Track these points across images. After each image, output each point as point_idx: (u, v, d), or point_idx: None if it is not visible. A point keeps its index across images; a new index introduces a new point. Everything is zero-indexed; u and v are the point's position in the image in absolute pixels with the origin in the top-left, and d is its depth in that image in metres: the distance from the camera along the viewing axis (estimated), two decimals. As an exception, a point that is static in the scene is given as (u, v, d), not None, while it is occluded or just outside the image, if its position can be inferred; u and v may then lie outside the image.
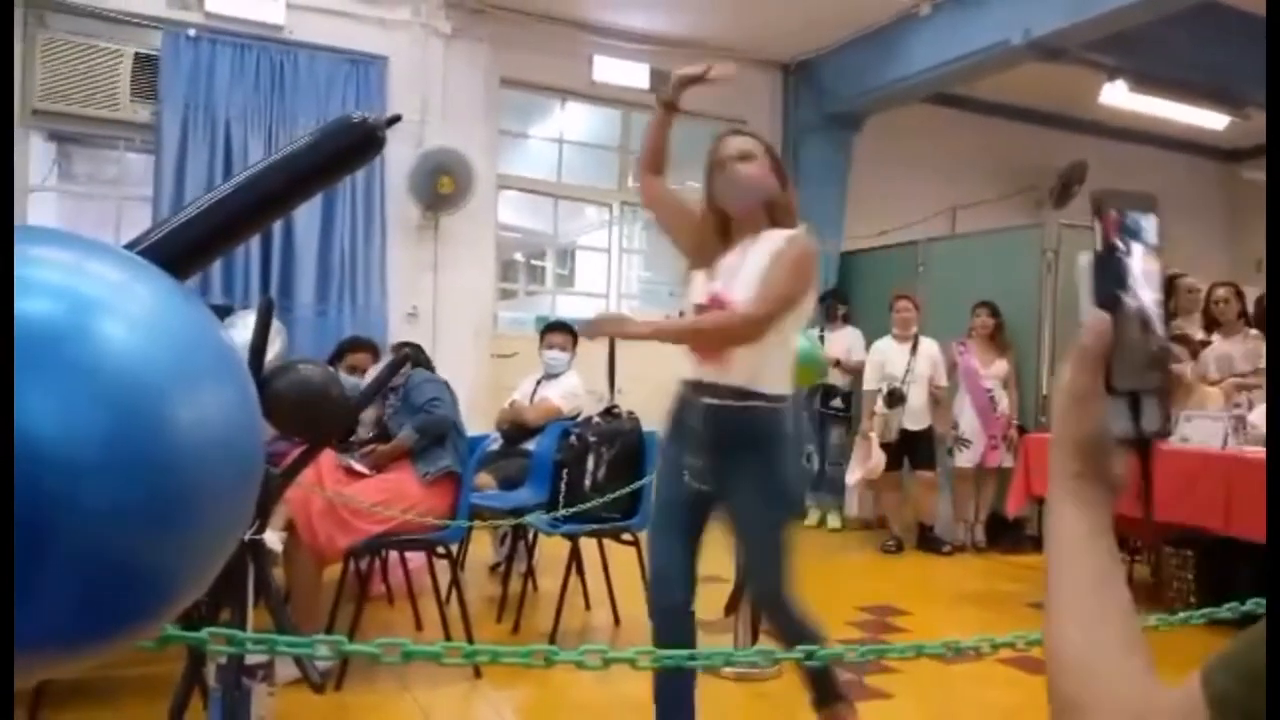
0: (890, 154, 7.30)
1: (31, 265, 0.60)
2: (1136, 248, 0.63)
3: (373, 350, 4.13)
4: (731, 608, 3.55)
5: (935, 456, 5.96)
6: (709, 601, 3.89)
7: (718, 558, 4.38)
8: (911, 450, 5.93)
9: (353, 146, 0.87)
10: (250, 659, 2.49)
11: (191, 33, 5.39)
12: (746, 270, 2.33)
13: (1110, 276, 0.63)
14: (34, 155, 5.51)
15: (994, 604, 4.63)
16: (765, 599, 2.48)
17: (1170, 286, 5.36)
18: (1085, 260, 0.64)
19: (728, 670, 3.37)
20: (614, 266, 7.11)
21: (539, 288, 8.47)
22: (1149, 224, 0.63)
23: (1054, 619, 0.62)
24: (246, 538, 2.33)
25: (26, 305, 0.58)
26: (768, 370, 2.35)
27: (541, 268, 8.96)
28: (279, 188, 0.86)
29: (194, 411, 0.62)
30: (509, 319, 7.08)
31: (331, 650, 1.15)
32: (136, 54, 5.34)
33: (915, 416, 5.92)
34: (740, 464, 2.36)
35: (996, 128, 7.85)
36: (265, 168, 0.85)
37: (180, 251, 0.74)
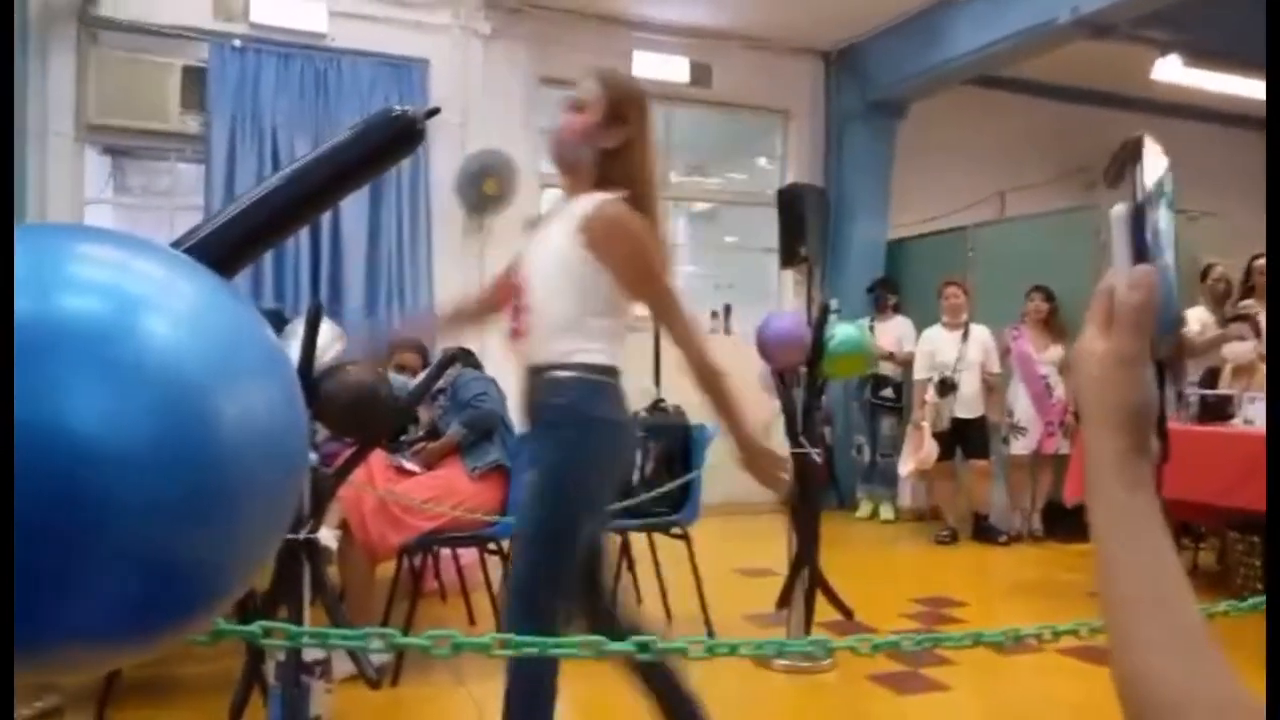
0: (935, 139, 7.19)
1: (77, 263, 0.61)
2: (1161, 204, 0.60)
3: (421, 350, 4.17)
4: (784, 601, 3.53)
5: (989, 445, 5.87)
6: (762, 595, 3.88)
7: (767, 550, 4.37)
8: (964, 439, 5.84)
9: (393, 139, 0.88)
10: (308, 656, 2.53)
11: (237, 43, 5.48)
12: (547, 253, 2.01)
13: (1147, 230, 0.59)
14: (90, 168, 5.66)
15: (1053, 594, 4.54)
16: (510, 613, 1.97)
17: (1248, 269, 5.28)
18: (1121, 211, 0.60)
19: (779, 663, 3.34)
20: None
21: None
22: (1169, 183, 0.60)
23: (1127, 632, 0.55)
24: (302, 536, 2.37)
25: (72, 303, 0.59)
26: (571, 336, 1.98)
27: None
28: (322, 182, 0.86)
29: (237, 408, 0.62)
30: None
31: (383, 643, 1.16)
32: (185, 67, 5.45)
33: (967, 405, 5.83)
34: (536, 446, 2.03)
35: (1044, 109, 7.69)
36: (308, 163, 0.86)
37: (226, 248, 0.75)
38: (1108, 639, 0.57)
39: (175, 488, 0.58)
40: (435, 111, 1.00)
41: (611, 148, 2.03)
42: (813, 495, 3.63)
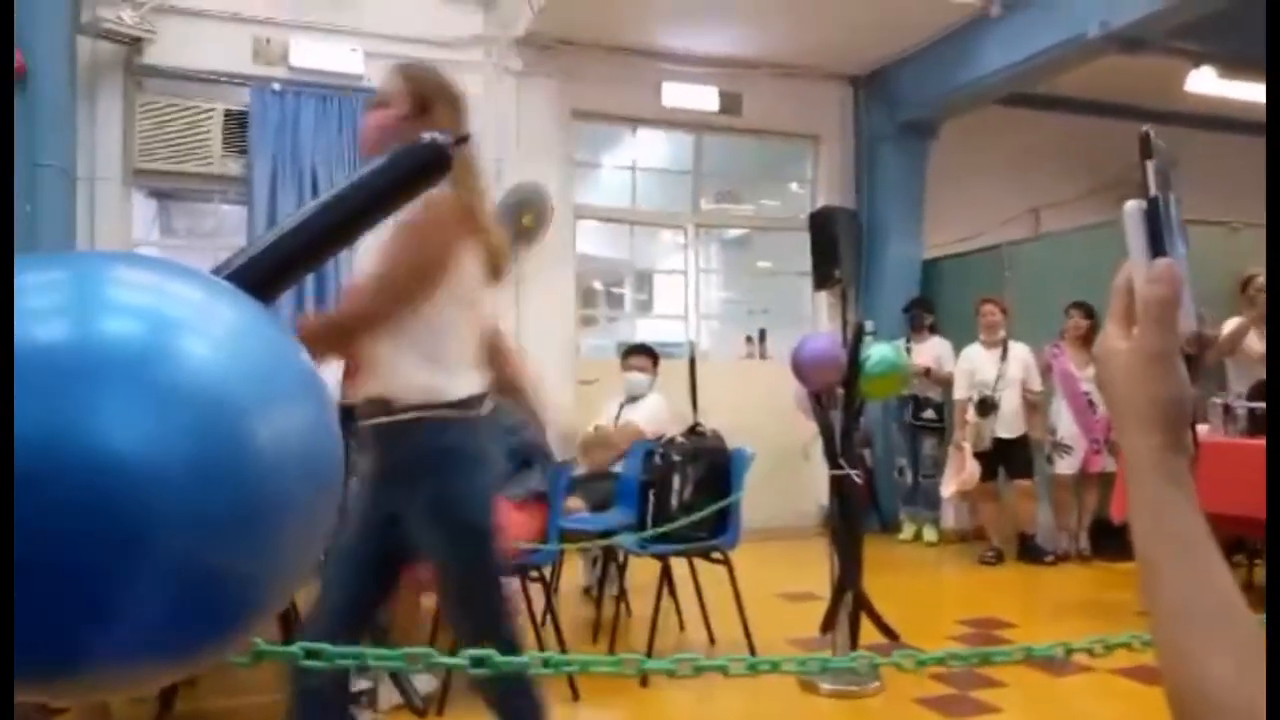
0: (968, 158, 7.17)
1: (117, 287, 0.64)
2: (1172, 199, 0.59)
3: None
4: (828, 625, 3.50)
5: (1032, 464, 5.78)
6: (805, 619, 3.84)
7: (809, 574, 4.34)
8: (1007, 459, 5.77)
9: (424, 166, 0.91)
10: (355, 685, 2.56)
11: (277, 87, 5.63)
12: (370, 249, 1.84)
13: (1164, 225, 0.59)
14: (137, 212, 5.82)
15: (1103, 613, 4.45)
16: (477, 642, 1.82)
17: None
18: (1135, 206, 0.60)
19: (825, 687, 3.31)
20: (691, 288, 7.12)
21: (619, 313, 8.53)
22: (1175, 178, 0.60)
23: (1177, 639, 0.53)
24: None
25: (112, 326, 0.61)
26: (419, 370, 1.85)
27: (620, 294, 9.04)
28: (355, 209, 0.89)
29: (272, 428, 0.64)
30: (590, 346, 7.15)
31: (419, 664, 1.17)
32: (227, 111, 5.60)
33: (1009, 424, 5.76)
34: (411, 494, 1.89)
35: (1077, 124, 7.64)
36: (341, 191, 0.89)
37: (263, 275, 0.78)
38: (1156, 650, 0.54)
39: (213, 506, 0.60)
40: (465, 139, 1.03)
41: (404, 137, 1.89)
42: (854, 517, 3.61)
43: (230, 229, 5.98)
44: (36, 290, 0.62)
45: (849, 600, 3.45)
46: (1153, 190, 0.59)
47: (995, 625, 4.21)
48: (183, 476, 0.59)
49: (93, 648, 0.62)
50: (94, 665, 0.63)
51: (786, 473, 6.19)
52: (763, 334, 7.25)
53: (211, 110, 5.59)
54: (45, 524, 0.57)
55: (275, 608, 0.73)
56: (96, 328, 0.61)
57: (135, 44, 5.39)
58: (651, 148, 7.40)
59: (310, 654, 1.16)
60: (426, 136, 0.92)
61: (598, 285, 8.72)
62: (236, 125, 5.60)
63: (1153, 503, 0.56)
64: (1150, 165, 0.60)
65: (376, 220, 0.91)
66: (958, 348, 6.15)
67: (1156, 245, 0.59)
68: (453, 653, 1.29)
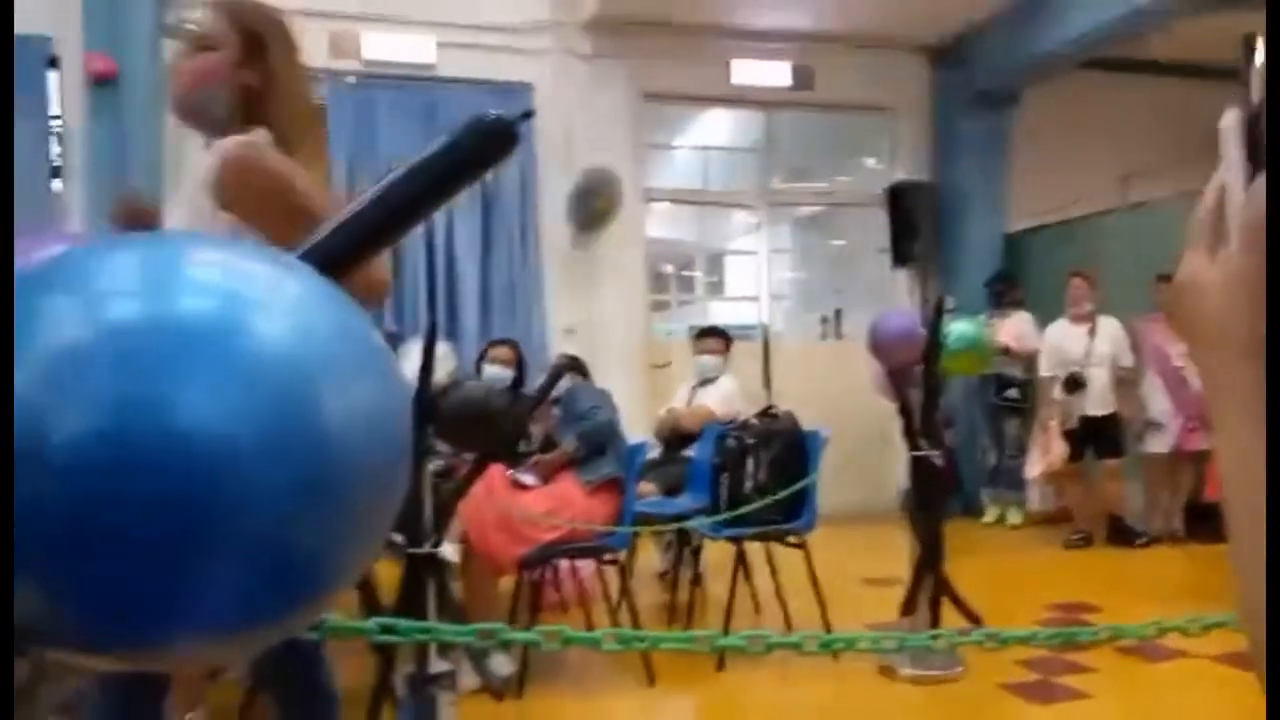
0: (1053, 126, 6.92)
1: (193, 267, 0.65)
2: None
3: (513, 345, 4.33)
4: (908, 609, 3.43)
5: (1122, 444, 5.58)
6: (885, 604, 3.78)
7: (889, 558, 4.26)
8: (1095, 438, 5.57)
9: (489, 143, 0.90)
10: (434, 668, 2.60)
11: (351, 80, 5.73)
12: (180, 220, 1.73)
13: (1263, 138, 0.51)
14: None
15: (1199, 597, 4.25)
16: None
17: None
18: (1233, 118, 0.52)
19: (905, 672, 3.25)
20: (764, 269, 7.05)
21: (690, 296, 8.50)
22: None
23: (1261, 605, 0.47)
24: (425, 550, 2.44)
25: (189, 303, 0.63)
26: None
27: (691, 277, 9.01)
28: (421, 188, 0.90)
29: (342, 399, 0.65)
30: (662, 329, 7.14)
31: (493, 640, 1.18)
32: (304, 105, 5.73)
33: (1098, 401, 5.56)
34: None
35: (1168, 88, 7.30)
36: (408, 170, 0.89)
37: (335, 254, 0.79)
38: (1240, 612, 0.49)
39: (288, 474, 0.61)
40: (530, 114, 1.02)
41: (255, 86, 1.71)
42: (935, 499, 3.53)
43: (310, 221, 6.12)
44: (118, 271, 0.64)
45: (930, 584, 3.38)
46: (1255, 99, 0.52)
47: (1084, 610, 4.09)
48: (260, 450, 0.60)
49: (179, 618, 0.63)
50: (179, 635, 0.65)
51: (864, 455, 6.10)
52: (838, 314, 7.15)
53: (289, 104, 5.72)
54: (132, 498, 0.58)
55: (348, 582, 0.74)
56: (174, 305, 0.62)
57: (216, 43, 5.54)
58: (721, 127, 7.33)
59: (385, 629, 1.17)
60: (491, 113, 0.91)
61: (668, 268, 8.71)
62: (314, 119, 5.73)
63: (1245, 442, 0.50)
64: (1254, 70, 0.52)
65: (441, 200, 0.91)
66: (1044, 323, 5.96)
67: (1257, 160, 0.51)
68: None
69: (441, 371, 2.64)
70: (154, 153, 5.27)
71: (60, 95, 5.18)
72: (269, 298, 0.65)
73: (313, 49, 6.04)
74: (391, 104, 5.79)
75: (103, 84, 5.04)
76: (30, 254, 0.80)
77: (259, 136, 1.66)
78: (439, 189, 0.89)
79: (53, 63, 5.14)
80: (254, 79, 1.72)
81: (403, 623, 1.21)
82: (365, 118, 5.74)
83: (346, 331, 0.68)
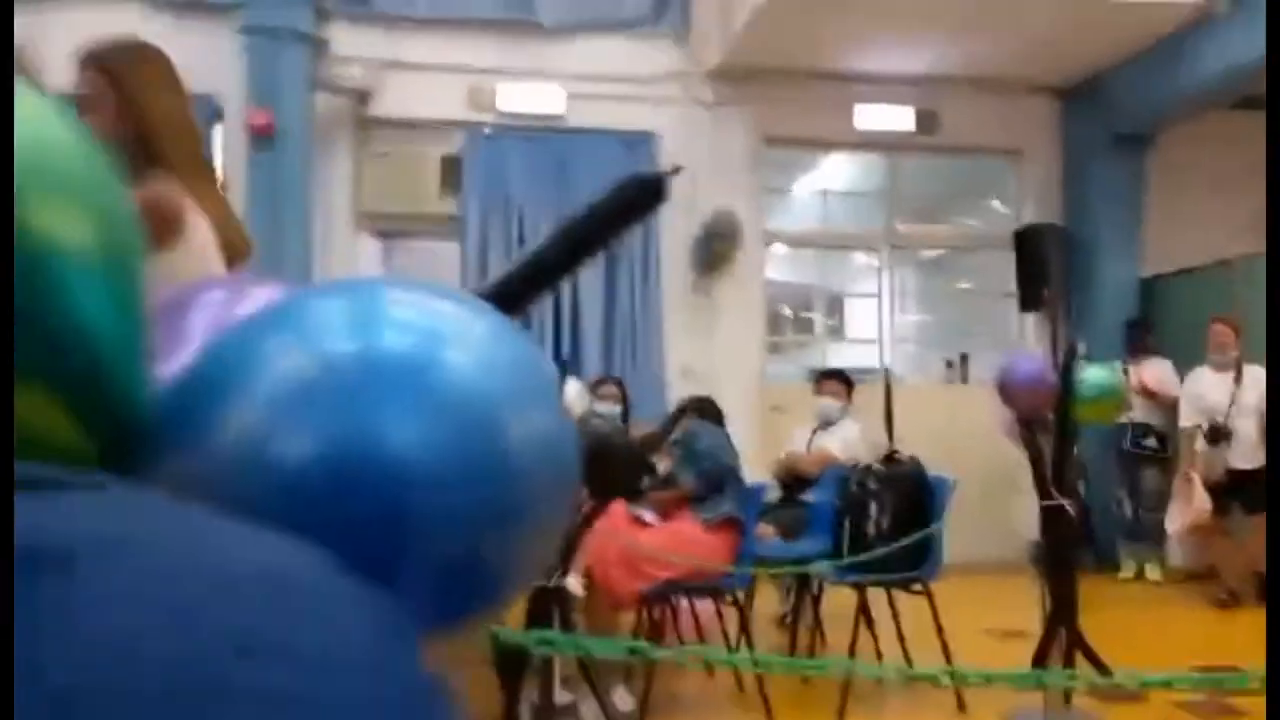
0: (1191, 168, 6.66)
1: (393, 306, 0.74)
2: None
3: (618, 383, 4.49)
4: (1039, 663, 3.32)
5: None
6: (1013, 658, 3.65)
7: (1018, 611, 4.13)
8: (1242, 491, 5.27)
9: (644, 196, 0.98)
10: (559, 700, 2.67)
11: (487, 131, 6.01)
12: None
13: None
14: (363, 252, 6.35)
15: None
16: None
17: None
18: None
19: (1038, 728, 3.14)
20: (886, 311, 6.98)
21: (807, 338, 8.46)
22: None
23: None
24: (551, 584, 2.53)
25: (392, 340, 0.71)
26: None
27: (808, 319, 8.98)
28: (582, 236, 0.98)
29: (524, 428, 0.72)
30: (777, 371, 7.14)
31: (630, 655, 1.23)
32: (443, 156, 6.04)
33: (1245, 454, 5.26)
34: None
35: (1321, 126, 6.93)
36: (572, 221, 0.98)
37: (509, 294, 0.88)
38: None
39: (477, 496, 0.68)
40: (679, 170, 1.10)
41: (140, 130, 1.68)
42: (1067, 551, 3.42)
43: (444, 265, 6.41)
44: (323, 311, 0.73)
45: (1063, 639, 3.27)
46: None
47: (1230, 673, 3.85)
48: (451, 476, 0.67)
49: None
50: None
51: (990, 502, 5.93)
52: (964, 358, 6.99)
53: (428, 154, 6.04)
54: (343, 519, 0.66)
55: (519, 590, 0.81)
56: (375, 341, 0.71)
57: (363, 97, 5.91)
58: (841, 170, 7.33)
59: (543, 641, 1.24)
60: (648, 171, 0.99)
61: (785, 310, 8.70)
62: (451, 168, 6.03)
63: None
64: None
65: (602, 245, 1.00)
66: (1182, 371, 5.70)
67: None
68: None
69: (579, 408, 2.75)
70: (307, 199, 5.64)
71: (223, 148, 5.61)
72: (460, 334, 0.73)
73: (453, 101, 6.38)
74: (523, 153, 6.04)
75: (261, 137, 5.44)
76: (224, 298, 0.91)
77: (157, 186, 1.62)
78: (597, 236, 0.97)
79: (217, 116, 5.58)
80: (141, 124, 1.69)
81: (553, 634, 1.28)
82: (498, 166, 6.00)
83: (526, 365, 0.76)
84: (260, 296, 0.84)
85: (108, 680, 0.23)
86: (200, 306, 0.95)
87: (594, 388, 4.51)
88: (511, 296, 0.86)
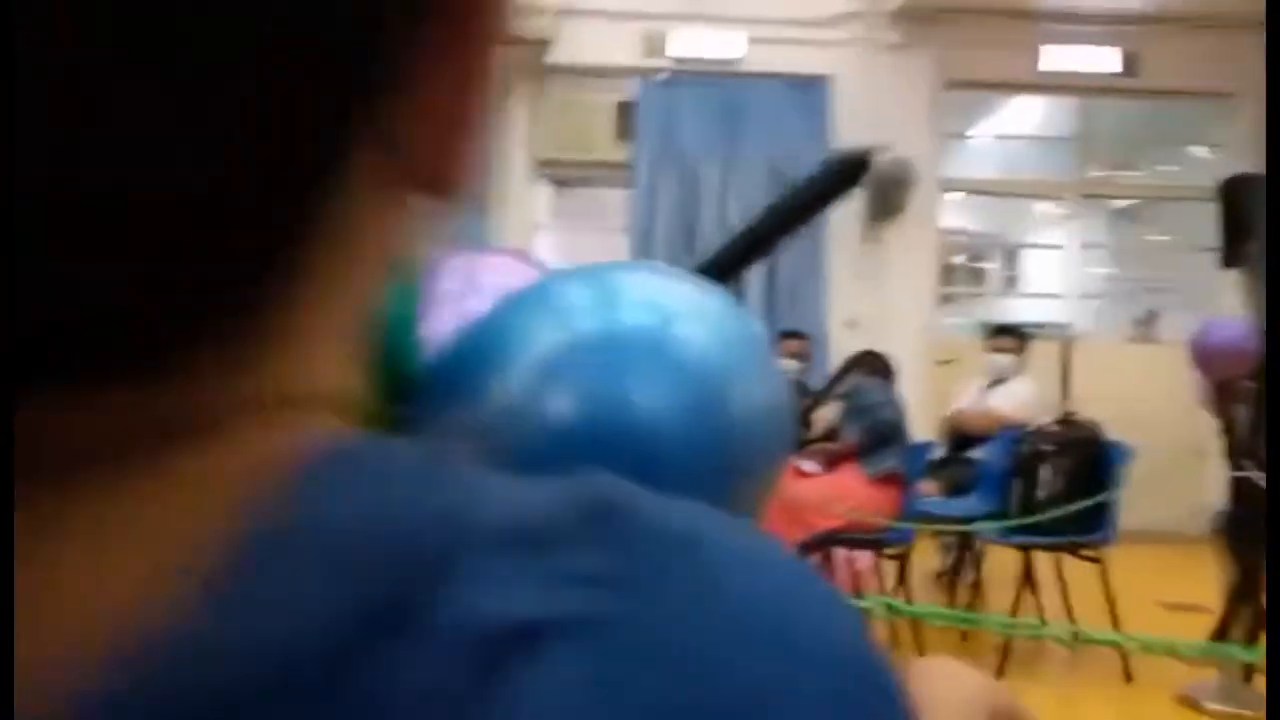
0: None
1: (632, 288, 0.83)
2: None
3: (804, 339, 4.44)
4: (1219, 637, 3.20)
5: None
6: (1189, 632, 3.52)
7: (1197, 585, 3.96)
8: None
9: (847, 173, 1.04)
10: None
11: (661, 77, 6.06)
12: None
13: None
14: (538, 199, 6.56)
15: None
16: None
17: None
18: None
19: (1211, 706, 3.05)
20: (1070, 264, 6.65)
21: (981, 290, 8.19)
22: None
23: None
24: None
25: (635, 318, 0.81)
26: None
27: (982, 270, 8.67)
28: (789, 211, 1.04)
29: (749, 394, 0.80)
30: (949, 324, 6.96)
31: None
32: (618, 103, 6.14)
33: None
34: None
35: None
36: (781, 198, 1.04)
37: (724, 267, 0.96)
38: None
39: (711, 457, 0.77)
40: (883, 149, 1.14)
41: None
42: (1256, 524, 3.25)
43: (612, 212, 6.56)
44: (573, 295, 0.83)
45: (1246, 615, 3.13)
46: None
47: None
48: (690, 438, 0.76)
49: None
50: None
51: (1174, 470, 5.64)
52: (1152, 315, 6.62)
53: (602, 102, 6.15)
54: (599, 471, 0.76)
55: None
56: (620, 319, 0.80)
57: (542, 45, 6.06)
58: (1024, 114, 6.98)
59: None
60: (856, 150, 1.04)
61: (959, 260, 8.43)
62: (624, 116, 6.13)
63: None
64: None
65: (807, 221, 1.06)
66: None
67: None
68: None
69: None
70: (489, 146, 5.87)
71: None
72: (692, 311, 0.82)
73: (629, 47, 6.44)
74: (696, 100, 6.06)
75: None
76: (484, 270, 1.02)
77: None
78: (803, 211, 1.03)
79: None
80: None
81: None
82: (670, 115, 6.05)
83: (749, 338, 0.84)
84: (495, 265, 0.95)
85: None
86: (446, 271, 1.07)
87: (777, 341, 4.50)
88: (725, 268, 0.94)
